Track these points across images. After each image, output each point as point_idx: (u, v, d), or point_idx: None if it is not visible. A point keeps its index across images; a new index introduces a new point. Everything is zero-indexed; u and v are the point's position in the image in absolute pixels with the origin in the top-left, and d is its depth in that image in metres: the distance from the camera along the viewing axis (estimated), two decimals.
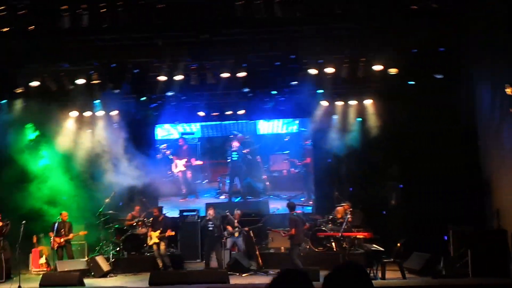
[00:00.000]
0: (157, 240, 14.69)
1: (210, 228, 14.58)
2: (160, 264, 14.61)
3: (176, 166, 19.08)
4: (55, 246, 14.90)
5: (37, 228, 15.48)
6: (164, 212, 17.61)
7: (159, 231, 14.70)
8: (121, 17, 11.35)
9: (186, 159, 19.10)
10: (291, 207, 14.02)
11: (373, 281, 10.26)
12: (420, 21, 11.69)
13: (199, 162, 19.15)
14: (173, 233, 15.00)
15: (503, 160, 12.39)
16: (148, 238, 14.97)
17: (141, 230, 15.89)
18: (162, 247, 14.72)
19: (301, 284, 3.18)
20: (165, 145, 19.27)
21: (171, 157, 19.05)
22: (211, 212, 14.85)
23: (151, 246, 14.99)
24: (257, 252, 14.67)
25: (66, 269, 13.96)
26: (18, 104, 15.07)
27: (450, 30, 12.43)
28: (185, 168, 19.07)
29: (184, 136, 19.29)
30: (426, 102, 14.46)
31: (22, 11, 11.35)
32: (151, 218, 15.56)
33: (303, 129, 18.82)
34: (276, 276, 3.34)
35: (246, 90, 15.13)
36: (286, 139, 19.00)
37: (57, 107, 15.59)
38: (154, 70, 14.41)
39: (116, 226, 16.43)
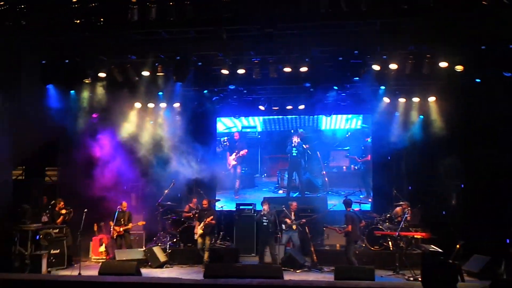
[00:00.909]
0: (201, 231, 14.68)
1: (265, 224, 14.55)
2: (206, 257, 14.62)
3: (229, 162, 19.33)
4: (115, 235, 15.25)
5: (98, 216, 15.84)
6: (221, 205, 17.89)
7: (203, 223, 14.70)
8: (187, 10, 11.57)
9: (235, 152, 19.30)
10: (348, 204, 13.92)
11: None
12: (490, 16, 11.36)
13: (243, 152, 19.34)
14: (213, 221, 14.85)
15: None
16: (195, 234, 14.93)
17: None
18: (207, 241, 14.74)
19: None
20: (225, 138, 19.53)
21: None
22: (265, 207, 14.82)
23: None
24: (312, 249, 14.63)
25: (124, 258, 14.25)
26: (86, 94, 15.50)
27: None
28: (236, 162, 19.29)
29: (244, 130, 19.48)
30: (492, 100, 14.06)
31: (93, 3, 11.76)
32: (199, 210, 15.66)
33: (364, 125, 18.72)
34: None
35: (308, 85, 15.11)
36: (347, 136, 18.99)
37: (123, 98, 15.87)
38: (217, 63, 14.56)
39: (174, 217, 16.71)
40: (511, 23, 11.65)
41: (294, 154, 18.82)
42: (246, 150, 19.33)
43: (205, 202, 15.30)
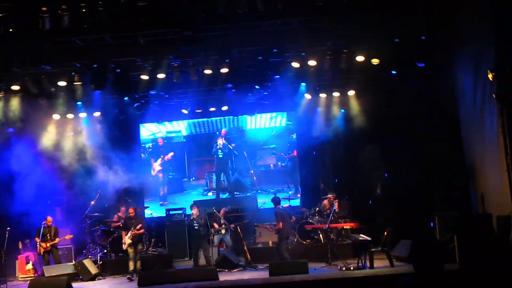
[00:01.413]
0: (130, 241, 14.24)
1: (196, 227, 14.53)
2: (132, 267, 14.18)
3: (154, 167, 19.14)
4: (42, 252, 14.74)
5: (22, 233, 15.31)
6: (151, 212, 17.65)
7: (131, 232, 14.28)
8: (101, 17, 11.29)
9: (161, 158, 19.15)
10: (276, 201, 14.09)
11: (361, 271, 10.39)
12: (402, 10, 11.79)
13: (168, 156, 19.21)
14: (142, 230, 14.45)
15: (486, 145, 12.56)
16: (123, 244, 14.47)
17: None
18: (138, 249, 14.41)
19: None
20: (150, 144, 19.30)
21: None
22: (194, 211, 14.78)
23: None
24: (246, 248, 14.69)
25: (53, 274, 13.77)
26: (0, 108, 14.89)
27: (431, 18, 12.55)
28: (161, 168, 19.14)
29: (169, 134, 19.32)
30: (409, 91, 14.58)
31: (1, 13, 11.26)
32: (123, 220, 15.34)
33: (289, 123, 18.97)
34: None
35: (230, 85, 15.14)
36: (272, 134, 19.18)
37: (40, 110, 15.35)
38: (137, 69, 14.34)
39: (103, 228, 16.34)
40: (422, 16, 12.16)
41: (220, 155, 18.83)
42: (172, 153, 19.16)
43: (131, 210, 14.85)
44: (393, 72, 14.41)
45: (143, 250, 15.02)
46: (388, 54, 13.43)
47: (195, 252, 14.76)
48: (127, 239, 14.29)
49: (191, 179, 19.54)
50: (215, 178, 19.17)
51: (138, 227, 14.26)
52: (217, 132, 19.18)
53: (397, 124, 15.51)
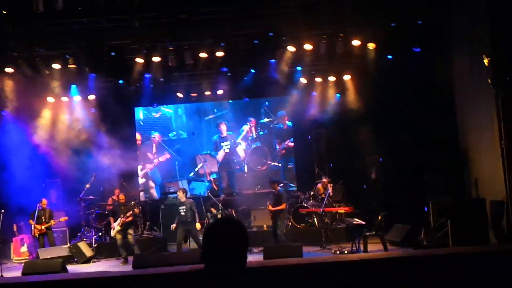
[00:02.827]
0: (119, 228, 14.09)
1: (182, 213, 13.96)
2: (123, 254, 13.98)
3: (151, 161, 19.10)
4: (36, 234, 14.72)
5: (17, 216, 15.31)
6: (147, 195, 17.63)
7: (120, 219, 14.11)
8: None
9: (155, 159, 19.09)
10: (277, 181, 14.13)
11: (355, 254, 10.42)
12: None
13: (163, 158, 19.07)
14: (130, 218, 14.19)
15: (481, 131, 12.59)
16: (112, 229, 14.34)
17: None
18: (129, 236, 14.17)
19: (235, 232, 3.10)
20: (156, 134, 19.23)
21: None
22: (180, 194, 14.19)
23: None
24: None
25: (48, 257, 13.79)
26: None
27: (428, 2, 12.52)
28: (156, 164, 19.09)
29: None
30: (404, 75, 14.58)
31: None
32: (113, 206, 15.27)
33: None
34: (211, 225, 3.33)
35: (225, 69, 15.09)
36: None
37: (34, 93, 15.30)
38: (132, 52, 14.28)
39: (98, 211, 16.36)
40: (419, 1, 12.13)
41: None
42: (169, 156, 19.03)
43: (122, 196, 14.65)
44: (389, 56, 14.40)
45: (137, 234, 14.98)
46: (384, 38, 13.40)
47: (180, 237, 13.89)
48: (116, 226, 14.16)
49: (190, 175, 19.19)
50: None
51: (128, 214, 14.11)
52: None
53: (392, 109, 15.50)
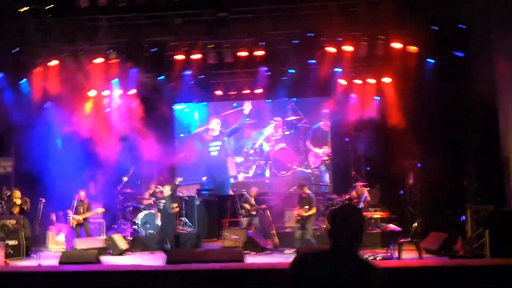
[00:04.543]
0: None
1: (161, 207, 13.89)
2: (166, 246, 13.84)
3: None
4: (74, 224, 15.04)
5: (56, 206, 15.61)
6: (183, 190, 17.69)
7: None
8: None
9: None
10: (307, 185, 14.08)
11: (388, 261, 10.26)
12: None
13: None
14: (177, 210, 14.25)
15: None
16: (157, 219, 14.63)
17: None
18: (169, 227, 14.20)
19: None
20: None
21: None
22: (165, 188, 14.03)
23: None
24: (273, 231, 14.70)
25: (84, 247, 14.01)
26: (38, 83, 15.16)
27: (470, 5, 12.28)
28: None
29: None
30: (446, 79, 14.31)
31: None
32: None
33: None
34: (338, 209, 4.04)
35: (264, 68, 15.09)
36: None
37: (76, 86, 15.59)
38: (172, 49, 14.41)
39: (134, 204, 16.56)
40: (460, 4, 11.89)
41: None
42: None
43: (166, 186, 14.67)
44: (430, 60, 14.16)
45: (176, 229, 15.07)
46: (426, 41, 13.19)
47: (163, 236, 13.66)
48: (157, 219, 14.39)
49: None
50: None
51: (174, 206, 14.10)
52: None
53: (432, 113, 15.24)
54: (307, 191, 13.98)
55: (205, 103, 18.91)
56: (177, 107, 18.96)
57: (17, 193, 14.69)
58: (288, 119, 18.66)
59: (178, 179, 14.40)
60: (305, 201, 13.79)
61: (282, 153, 18.55)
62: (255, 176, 18.51)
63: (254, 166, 18.68)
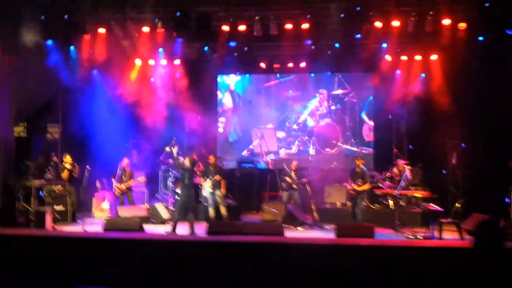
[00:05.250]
0: (211, 190, 14.49)
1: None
2: (212, 213, 14.44)
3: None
4: (117, 192, 15.37)
5: (101, 173, 15.82)
6: (224, 162, 17.83)
7: (210, 180, 14.45)
8: None
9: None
10: (362, 159, 14.05)
11: (429, 240, 10.16)
12: None
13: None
14: (220, 179, 14.43)
15: None
16: (202, 189, 14.77)
17: (198, 179, 16.13)
18: (218, 197, 14.52)
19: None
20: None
21: None
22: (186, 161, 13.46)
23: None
24: (313, 207, 14.69)
25: (127, 215, 14.21)
26: (86, 50, 15.39)
27: None
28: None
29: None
30: (495, 58, 13.95)
31: None
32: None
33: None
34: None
35: (309, 42, 14.96)
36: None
37: (123, 54, 15.76)
38: (218, 19, 14.40)
39: (176, 174, 16.71)
40: None
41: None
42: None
43: (211, 157, 14.90)
44: (481, 38, 13.80)
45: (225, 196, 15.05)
46: (477, 18, 12.85)
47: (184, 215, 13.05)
48: (207, 187, 14.53)
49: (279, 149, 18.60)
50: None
51: (216, 177, 14.41)
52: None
53: (479, 93, 14.90)
54: (362, 166, 13.92)
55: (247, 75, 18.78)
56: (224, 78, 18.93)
57: (68, 158, 14.95)
58: (334, 92, 18.37)
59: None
60: (359, 176, 13.75)
61: (327, 129, 18.21)
62: (298, 153, 18.28)
63: (297, 142, 18.46)
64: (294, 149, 18.45)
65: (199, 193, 15.10)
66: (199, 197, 15.15)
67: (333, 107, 18.39)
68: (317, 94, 18.35)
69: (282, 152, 18.43)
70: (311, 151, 18.29)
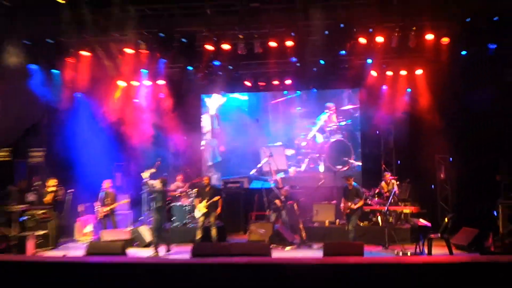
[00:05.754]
0: (205, 210, 14.25)
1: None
2: (199, 236, 14.18)
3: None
4: (101, 216, 15.13)
5: (84, 197, 15.66)
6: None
7: (206, 201, 14.26)
8: None
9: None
10: (353, 176, 13.95)
11: (419, 257, 10.07)
12: None
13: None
14: (219, 198, 14.28)
15: None
16: (196, 210, 14.56)
17: (184, 201, 15.96)
18: (211, 219, 14.29)
19: None
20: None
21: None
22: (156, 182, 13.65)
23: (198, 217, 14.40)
24: (301, 226, 14.53)
25: (110, 239, 13.98)
26: (69, 73, 15.26)
27: None
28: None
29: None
30: (479, 72, 14.00)
31: None
32: (196, 189, 15.22)
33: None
34: None
35: (294, 59, 14.93)
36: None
37: (106, 76, 15.66)
38: (202, 39, 14.34)
39: None
40: None
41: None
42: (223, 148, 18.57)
43: (205, 178, 14.75)
44: (463, 52, 13.85)
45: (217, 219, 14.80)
46: (459, 33, 12.90)
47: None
48: (201, 208, 14.30)
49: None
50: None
51: (215, 198, 14.21)
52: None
53: (464, 107, 14.92)
54: (353, 183, 13.80)
55: (253, 93, 18.55)
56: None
57: (52, 181, 14.79)
58: (343, 108, 18.22)
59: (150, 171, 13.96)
60: (353, 194, 13.64)
61: (338, 146, 17.96)
62: (307, 170, 18.04)
63: (306, 160, 18.19)
64: (303, 167, 18.22)
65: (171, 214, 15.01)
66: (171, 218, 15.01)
67: (343, 123, 18.17)
68: (326, 110, 18.14)
69: (292, 170, 18.19)
70: (321, 168, 18.05)
